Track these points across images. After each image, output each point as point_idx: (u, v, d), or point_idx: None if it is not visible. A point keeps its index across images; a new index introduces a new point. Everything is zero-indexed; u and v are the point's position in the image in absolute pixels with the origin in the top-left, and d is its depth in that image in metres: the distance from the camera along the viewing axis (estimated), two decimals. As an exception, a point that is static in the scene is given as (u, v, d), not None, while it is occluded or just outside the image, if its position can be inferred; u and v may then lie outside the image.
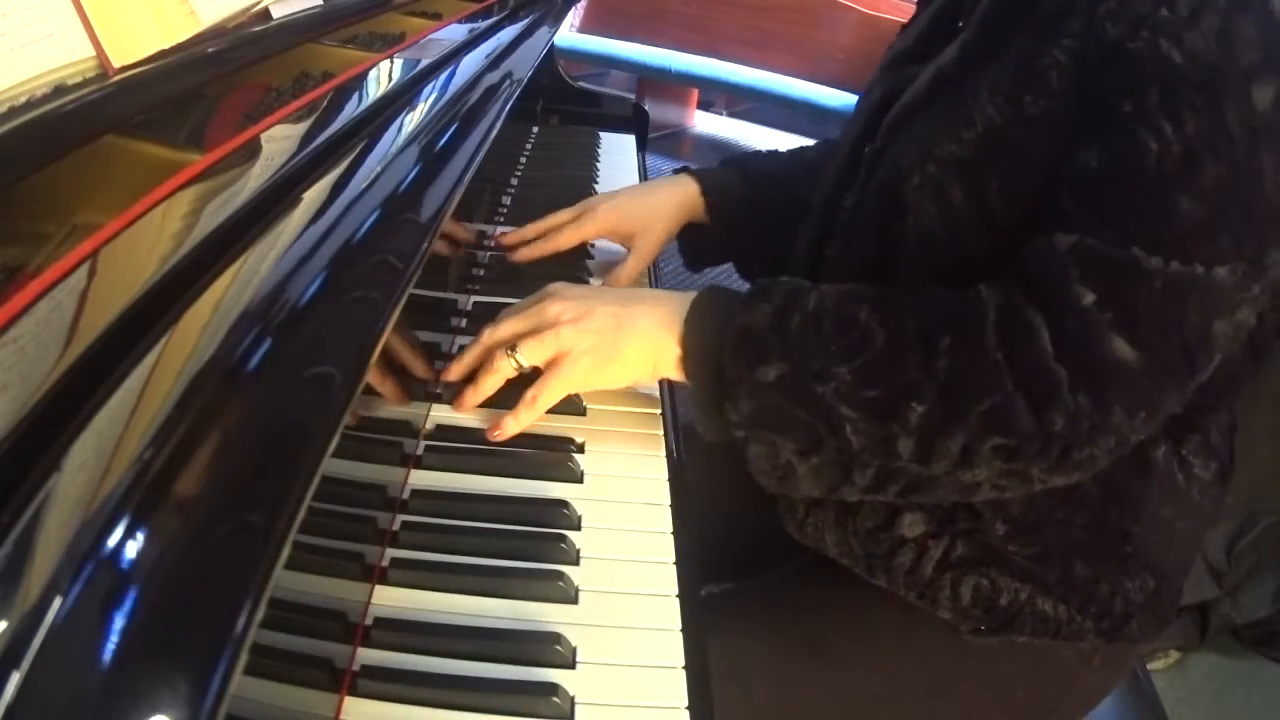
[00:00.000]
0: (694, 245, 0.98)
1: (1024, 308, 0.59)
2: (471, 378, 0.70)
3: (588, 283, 0.91)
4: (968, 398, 0.59)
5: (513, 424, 0.68)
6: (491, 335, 0.69)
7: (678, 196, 0.93)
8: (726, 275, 1.05)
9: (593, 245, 0.98)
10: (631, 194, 0.93)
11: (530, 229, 0.90)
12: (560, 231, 0.89)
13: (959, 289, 0.63)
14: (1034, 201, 0.62)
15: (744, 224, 0.94)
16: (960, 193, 0.65)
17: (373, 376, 0.54)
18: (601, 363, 0.67)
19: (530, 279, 0.80)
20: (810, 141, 1.05)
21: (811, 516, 0.73)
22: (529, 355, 0.67)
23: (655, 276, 0.97)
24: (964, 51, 0.68)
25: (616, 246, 0.93)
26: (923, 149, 0.67)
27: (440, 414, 0.70)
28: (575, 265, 0.93)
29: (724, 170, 0.97)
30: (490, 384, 0.69)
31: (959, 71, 0.68)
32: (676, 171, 0.96)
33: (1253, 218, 0.57)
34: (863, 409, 0.60)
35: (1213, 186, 0.56)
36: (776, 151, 1.02)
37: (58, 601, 0.26)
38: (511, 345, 0.68)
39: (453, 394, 0.71)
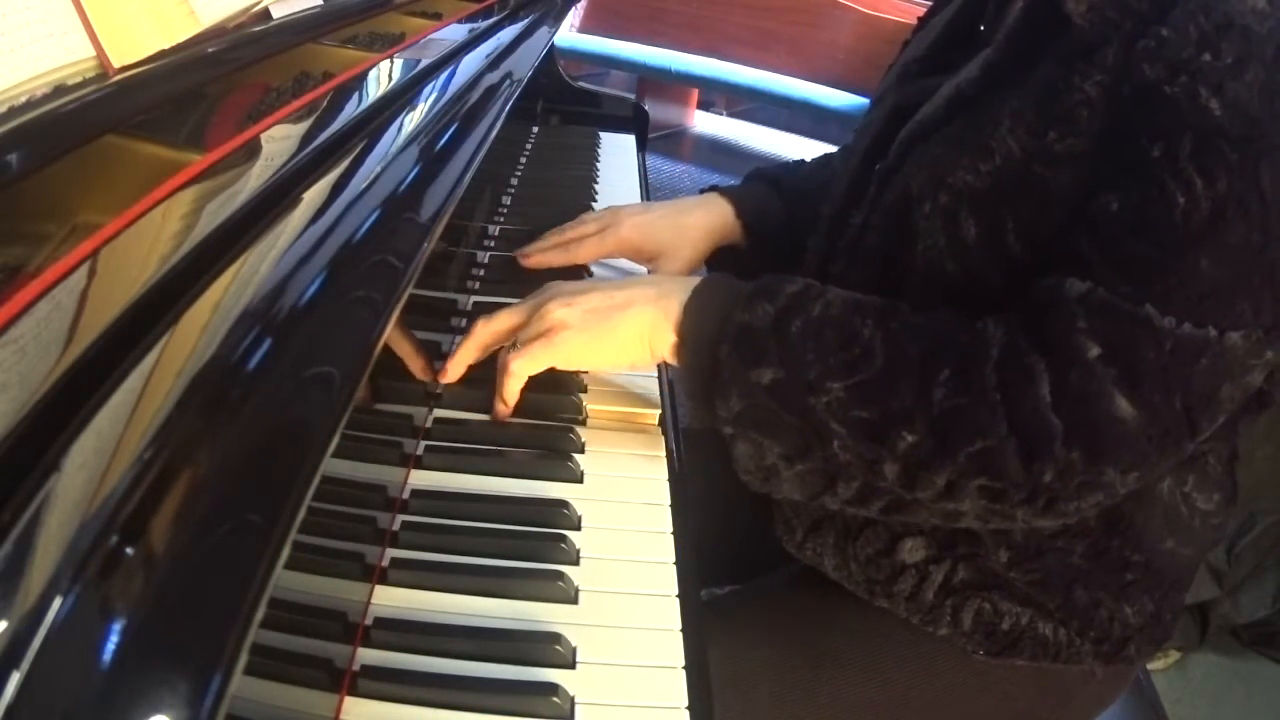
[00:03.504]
0: (726, 271, 0.91)
1: (1028, 351, 0.57)
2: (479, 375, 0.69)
3: None
4: (959, 436, 0.57)
5: (500, 405, 0.68)
6: (485, 326, 0.69)
7: (711, 221, 0.87)
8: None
9: None
10: (660, 212, 0.87)
11: (551, 237, 0.85)
12: (581, 244, 0.84)
13: (967, 316, 0.61)
14: (1051, 243, 0.60)
15: (781, 246, 0.88)
16: (974, 227, 0.62)
17: (373, 376, 0.54)
18: (593, 340, 0.65)
19: (531, 279, 0.80)
20: (811, 141, 1.04)
21: (810, 540, 0.72)
22: (523, 342, 0.67)
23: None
24: (986, 70, 0.65)
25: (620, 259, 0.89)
26: (936, 174, 0.64)
27: (440, 414, 0.70)
28: (576, 271, 0.93)
29: (757, 188, 0.92)
30: (509, 387, 0.68)
31: (980, 92, 0.65)
32: (704, 191, 0.91)
33: (1276, 284, 0.55)
34: (852, 428, 0.58)
35: (1238, 249, 0.54)
36: (803, 161, 0.98)
37: (58, 601, 0.26)
38: (513, 344, 0.67)
39: (453, 394, 0.71)
